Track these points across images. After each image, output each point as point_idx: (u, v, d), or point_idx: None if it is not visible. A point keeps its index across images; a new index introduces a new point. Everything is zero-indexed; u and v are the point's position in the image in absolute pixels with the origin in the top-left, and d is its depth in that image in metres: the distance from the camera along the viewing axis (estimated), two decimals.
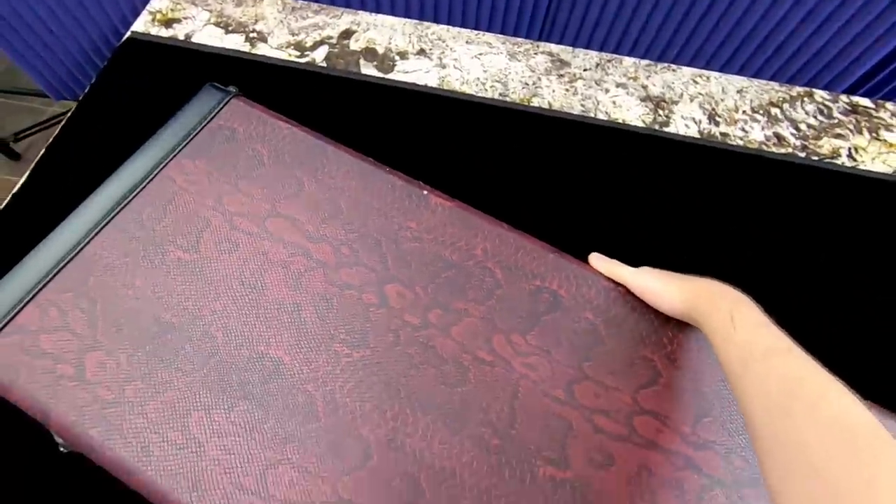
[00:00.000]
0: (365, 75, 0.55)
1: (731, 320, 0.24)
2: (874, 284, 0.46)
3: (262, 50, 0.56)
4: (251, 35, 0.58)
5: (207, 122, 0.38)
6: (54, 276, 0.31)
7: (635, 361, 0.31)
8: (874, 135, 0.56)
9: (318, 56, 0.56)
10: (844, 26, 0.59)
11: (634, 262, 0.35)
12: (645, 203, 0.48)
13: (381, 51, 0.57)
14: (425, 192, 0.36)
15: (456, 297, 0.32)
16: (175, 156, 0.36)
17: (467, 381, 0.30)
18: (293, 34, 0.58)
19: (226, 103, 0.39)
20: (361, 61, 0.56)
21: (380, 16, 0.60)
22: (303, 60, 0.56)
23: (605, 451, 0.28)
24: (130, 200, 0.34)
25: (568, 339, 0.31)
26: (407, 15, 0.67)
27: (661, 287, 0.31)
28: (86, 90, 0.52)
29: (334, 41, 0.57)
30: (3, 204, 0.45)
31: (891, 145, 0.55)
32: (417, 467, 0.27)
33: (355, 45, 0.57)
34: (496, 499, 0.27)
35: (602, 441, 0.28)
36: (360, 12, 0.60)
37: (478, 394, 0.29)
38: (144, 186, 0.35)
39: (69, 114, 0.50)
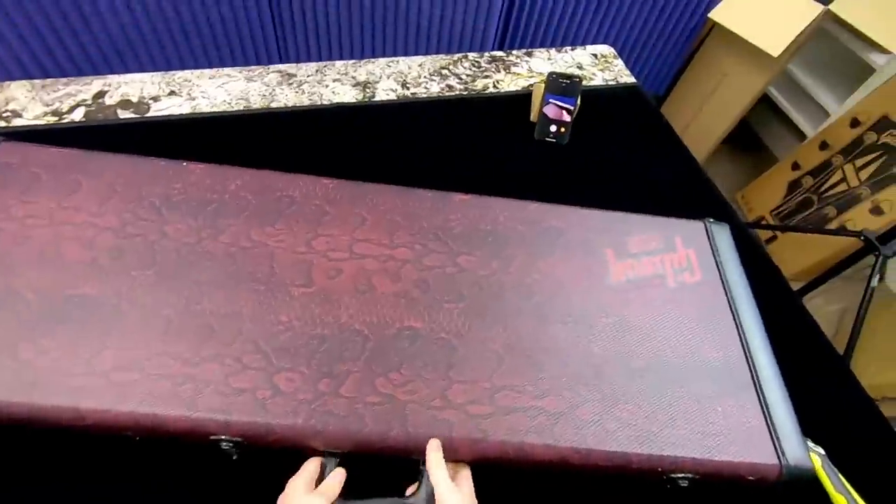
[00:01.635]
0: (123, 119, 0.66)
1: None
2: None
3: (18, 122, 0.64)
4: (5, 115, 0.65)
5: None
6: None
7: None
8: (507, 71, 0.86)
9: (76, 116, 0.66)
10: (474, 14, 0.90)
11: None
12: (371, 145, 0.69)
13: (135, 100, 0.69)
14: (184, 164, 0.50)
15: (221, 219, 0.46)
16: None
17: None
18: (47, 105, 0.67)
19: None
20: (119, 111, 0.68)
21: (129, 75, 0.72)
22: (63, 121, 0.65)
23: (337, 268, 0.45)
24: None
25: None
26: (155, 69, 0.80)
27: None
28: None
29: (89, 102, 0.68)
30: None
31: (518, 75, 0.85)
32: (216, 318, 0.40)
33: (110, 100, 0.69)
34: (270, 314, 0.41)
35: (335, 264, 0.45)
36: (110, 76, 0.72)
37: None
38: None
39: None
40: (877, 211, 1.12)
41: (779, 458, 0.41)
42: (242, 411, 0.37)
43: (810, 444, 0.48)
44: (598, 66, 0.90)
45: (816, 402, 0.50)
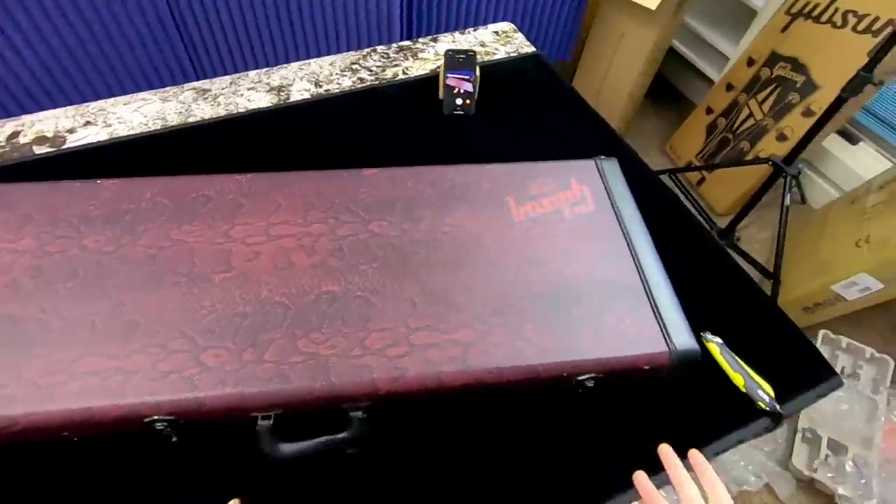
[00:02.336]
0: (39, 154, 0.68)
1: None
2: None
3: None
4: None
5: None
6: None
7: None
8: (415, 58, 0.90)
9: None
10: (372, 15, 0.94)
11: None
12: (289, 144, 0.72)
13: (50, 135, 0.71)
14: (98, 182, 0.52)
15: (139, 225, 0.49)
16: None
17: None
18: None
19: None
20: (34, 147, 0.69)
21: (41, 112, 0.74)
22: None
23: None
24: None
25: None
26: (70, 103, 0.81)
27: None
28: None
29: (3, 143, 0.69)
30: None
31: (426, 60, 0.90)
32: (141, 315, 0.43)
33: (24, 139, 0.70)
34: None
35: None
36: (23, 116, 0.73)
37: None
38: None
39: None
40: (781, 137, 1.22)
41: (668, 345, 0.46)
42: (172, 390, 0.40)
43: (709, 335, 0.54)
44: (500, 41, 0.96)
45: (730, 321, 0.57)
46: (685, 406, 0.51)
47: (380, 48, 0.91)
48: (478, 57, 0.78)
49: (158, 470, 0.45)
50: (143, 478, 0.44)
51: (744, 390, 0.51)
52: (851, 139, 1.38)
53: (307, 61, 0.87)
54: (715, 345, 0.53)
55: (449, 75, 0.75)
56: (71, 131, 0.72)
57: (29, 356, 0.40)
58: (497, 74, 0.86)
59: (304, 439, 0.41)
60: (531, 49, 0.95)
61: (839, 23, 1.13)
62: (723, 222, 1.33)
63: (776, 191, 1.17)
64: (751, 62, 1.26)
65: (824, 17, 1.15)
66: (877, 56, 0.93)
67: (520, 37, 0.97)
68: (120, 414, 0.39)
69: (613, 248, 0.53)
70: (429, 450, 0.47)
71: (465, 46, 0.94)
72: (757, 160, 1.17)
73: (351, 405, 0.43)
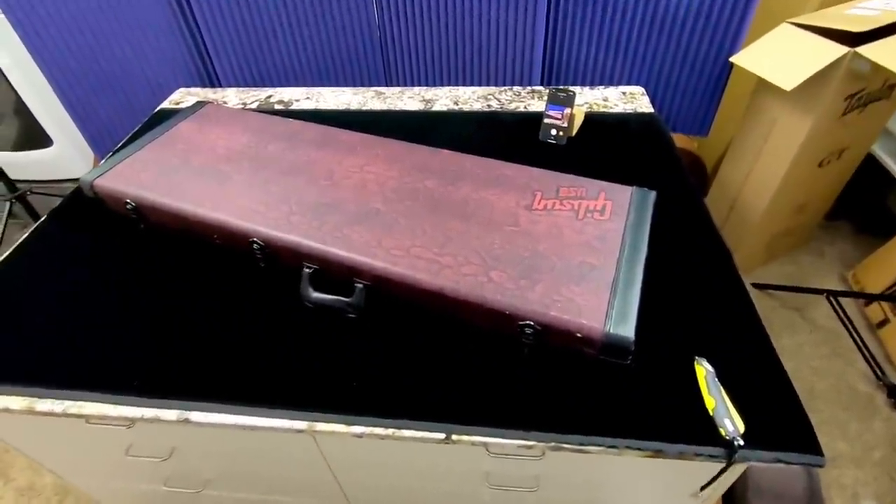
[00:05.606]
0: (276, 109, 1.08)
1: None
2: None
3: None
4: (221, 102, 1.11)
5: (201, 109, 0.88)
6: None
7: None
8: (540, 99, 1.09)
9: (253, 106, 1.10)
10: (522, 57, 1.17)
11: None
12: (424, 136, 0.98)
13: (286, 100, 1.12)
14: (289, 120, 0.85)
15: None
16: (185, 121, 0.85)
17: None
18: (241, 100, 1.12)
19: (204, 106, 0.90)
20: (275, 105, 1.10)
21: (284, 88, 1.16)
22: (247, 108, 1.09)
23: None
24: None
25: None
26: (303, 85, 1.24)
27: None
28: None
29: (263, 101, 1.12)
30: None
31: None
32: (293, 194, 0.71)
33: (272, 100, 1.12)
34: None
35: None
36: (278, 88, 1.17)
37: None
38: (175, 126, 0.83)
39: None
40: None
41: (605, 325, 0.52)
42: (270, 227, 0.65)
43: (704, 361, 0.55)
44: (624, 100, 1.07)
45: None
46: (650, 397, 0.53)
47: (516, 88, 1.13)
48: (586, 104, 0.92)
49: (246, 282, 0.70)
50: (237, 281, 0.70)
51: (711, 413, 0.51)
52: None
53: (456, 87, 1.14)
54: (703, 368, 0.54)
55: (549, 108, 0.91)
56: (297, 101, 1.11)
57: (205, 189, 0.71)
58: (604, 122, 0.98)
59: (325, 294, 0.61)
60: (650, 110, 1.04)
61: None
62: None
63: None
64: None
65: None
66: None
67: (644, 99, 1.07)
68: (239, 229, 0.66)
69: (605, 249, 0.61)
70: (402, 330, 0.62)
71: (589, 98, 1.09)
72: None
73: (358, 278, 0.61)
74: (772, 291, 1.47)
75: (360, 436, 0.52)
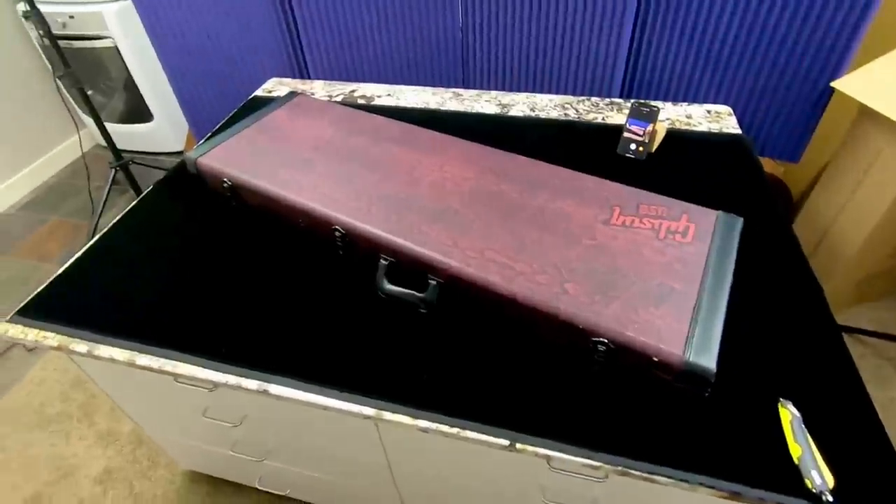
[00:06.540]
0: (359, 103, 1.12)
1: None
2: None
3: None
4: (311, 95, 1.17)
5: (293, 99, 0.94)
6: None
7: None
8: (619, 111, 1.06)
9: (338, 99, 1.15)
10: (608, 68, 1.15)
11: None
12: (516, 138, 0.99)
13: (368, 95, 1.16)
14: (373, 115, 0.88)
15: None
16: (278, 109, 0.91)
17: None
18: (327, 93, 1.18)
19: (295, 96, 0.95)
20: (359, 100, 1.14)
21: (368, 84, 1.21)
22: (332, 100, 1.14)
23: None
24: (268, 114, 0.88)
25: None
26: (385, 82, 1.28)
27: None
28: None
29: (347, 94, 1.17)
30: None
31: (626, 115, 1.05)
32: (374, 190, 0.74)
33: (356, 95, 1.16)
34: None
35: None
36: (362, 83, 1.21)
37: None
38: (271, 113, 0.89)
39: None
40: None
41: (685, 351, 0.51)
42: (352, 216, 0.68)
43: (790, 404, 0.52)
44: (709, 119, 1.03)
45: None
46: (728, 434, 0.51)
47: (594, 98, 1.11)
48: (668, 120, 0.90)
49: (326, 268, 0.74)
50: (317, 266, 0.74)
51: (796, 462, 0.48)
52: None
53: (533, 94, 1.14)
54: (789, 412, 0.51)
55: (630, 122, 0.89)
56: (378, 97, 1.15)
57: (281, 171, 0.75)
58: (686, 140, 0.95)
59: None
60: (737, 131, 0.99)
61: None
62: None
63: None
64: None
65: None
66: None
67: (731, 120, 1.02)
68: (323, 215, 0.69)
69: (687, 272, 0.59)
70: (472, 331, 0.63)
71: (672, 114, 1.05)
72: None
73: (432, 274, 0.63)
74: (862, 336, 1.35)
75: (425, 430, 0.54)
